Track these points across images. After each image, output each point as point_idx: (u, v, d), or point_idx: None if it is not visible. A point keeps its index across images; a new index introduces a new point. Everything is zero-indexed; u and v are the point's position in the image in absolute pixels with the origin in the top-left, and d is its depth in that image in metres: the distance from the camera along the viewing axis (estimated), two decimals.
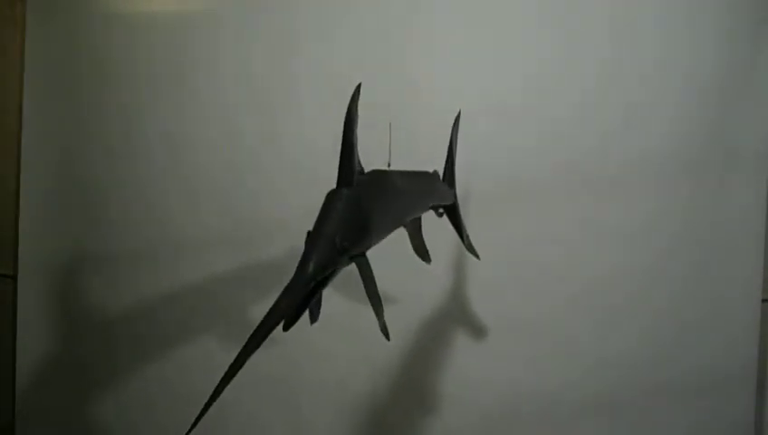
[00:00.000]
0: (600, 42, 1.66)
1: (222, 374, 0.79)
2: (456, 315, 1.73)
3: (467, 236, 1.40)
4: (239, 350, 0.79)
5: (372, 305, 0.96)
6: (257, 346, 0.82)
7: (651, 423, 1.70)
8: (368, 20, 1.71)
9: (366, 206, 1.00)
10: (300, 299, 0.87)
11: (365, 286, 0.97)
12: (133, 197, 1.81)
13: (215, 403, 0.77)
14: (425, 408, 1.73)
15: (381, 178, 1.10)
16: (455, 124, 1.38)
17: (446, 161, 1.37)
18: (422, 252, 1.24)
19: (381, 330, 0.96)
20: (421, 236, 1.24)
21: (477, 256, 1.42)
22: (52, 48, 1.83)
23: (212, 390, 0.77)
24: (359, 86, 0.99)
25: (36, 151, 1.85)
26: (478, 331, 1.72)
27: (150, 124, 1.80)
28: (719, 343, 1.68)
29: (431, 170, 1.33)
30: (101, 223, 1.83)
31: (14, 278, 1.87)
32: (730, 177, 1.67)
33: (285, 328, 0.88)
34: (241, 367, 0.81)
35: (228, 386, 0.79)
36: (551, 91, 1.65)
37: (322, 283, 0.92)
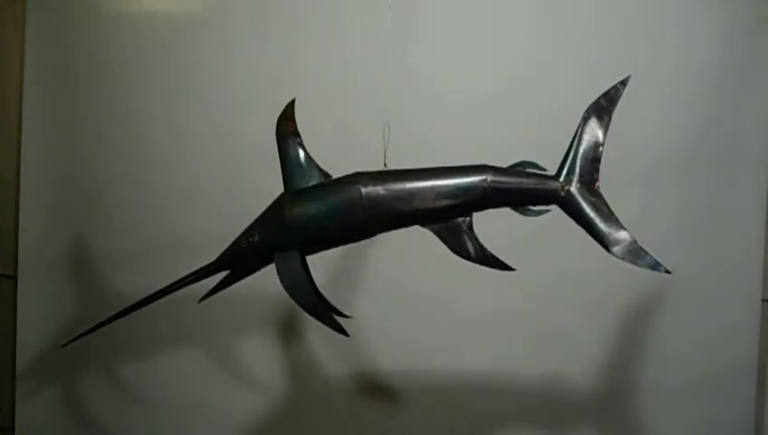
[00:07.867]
0: (601, 43, 1.67)
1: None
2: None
3: (609, 238, 1.20)
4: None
5: (304, 308, 1.03)
6: (155, 300, 1.24)
7: (652, 423, 1.70)
8: (367, 21, 1.71)
9: (299, 207, 1.08)
10: (201, 278, 1.18)
11: (284, 287, 1.05)
12: (132, 197, 1.81)
13: None
14: None
15: (349, 180, 1.09)
16: (589, 114, 1.24)
17: (566, 153, 1.22)
18: (486, 259, 1.12)
19: (335, 330, 1.06)
20: (470, 238, 1.14)
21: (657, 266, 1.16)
22: (52, 48, 1.83)
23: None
24: (292, 101, 1.10)
25: (36, 151, 1.85)
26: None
27: (149, 125, 1.80)
28: (719, 344, 1.68)
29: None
30: (101, 223, 1.83)
31: (14, 278, 1.87)
32: (730, 177, 1.67)
33: (199, 300, 1.20)
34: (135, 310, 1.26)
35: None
36: (550, 92, 1.65)
37: (233, 270, 1.17)
